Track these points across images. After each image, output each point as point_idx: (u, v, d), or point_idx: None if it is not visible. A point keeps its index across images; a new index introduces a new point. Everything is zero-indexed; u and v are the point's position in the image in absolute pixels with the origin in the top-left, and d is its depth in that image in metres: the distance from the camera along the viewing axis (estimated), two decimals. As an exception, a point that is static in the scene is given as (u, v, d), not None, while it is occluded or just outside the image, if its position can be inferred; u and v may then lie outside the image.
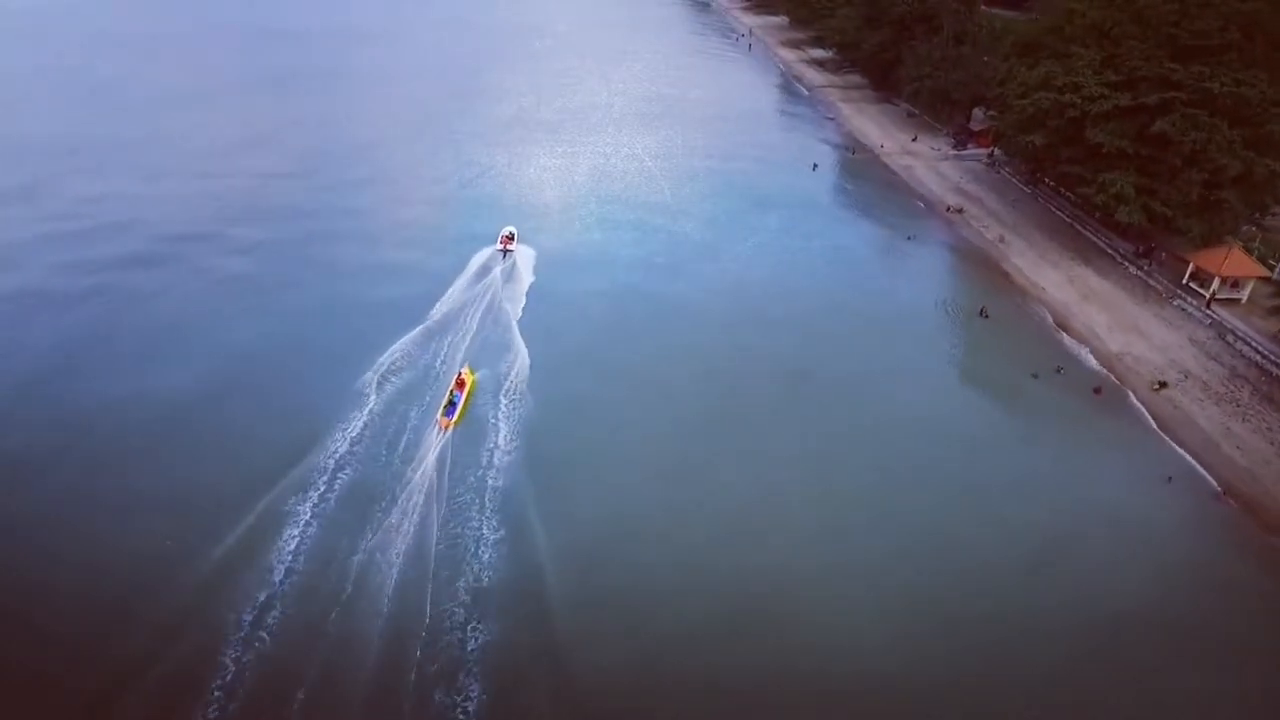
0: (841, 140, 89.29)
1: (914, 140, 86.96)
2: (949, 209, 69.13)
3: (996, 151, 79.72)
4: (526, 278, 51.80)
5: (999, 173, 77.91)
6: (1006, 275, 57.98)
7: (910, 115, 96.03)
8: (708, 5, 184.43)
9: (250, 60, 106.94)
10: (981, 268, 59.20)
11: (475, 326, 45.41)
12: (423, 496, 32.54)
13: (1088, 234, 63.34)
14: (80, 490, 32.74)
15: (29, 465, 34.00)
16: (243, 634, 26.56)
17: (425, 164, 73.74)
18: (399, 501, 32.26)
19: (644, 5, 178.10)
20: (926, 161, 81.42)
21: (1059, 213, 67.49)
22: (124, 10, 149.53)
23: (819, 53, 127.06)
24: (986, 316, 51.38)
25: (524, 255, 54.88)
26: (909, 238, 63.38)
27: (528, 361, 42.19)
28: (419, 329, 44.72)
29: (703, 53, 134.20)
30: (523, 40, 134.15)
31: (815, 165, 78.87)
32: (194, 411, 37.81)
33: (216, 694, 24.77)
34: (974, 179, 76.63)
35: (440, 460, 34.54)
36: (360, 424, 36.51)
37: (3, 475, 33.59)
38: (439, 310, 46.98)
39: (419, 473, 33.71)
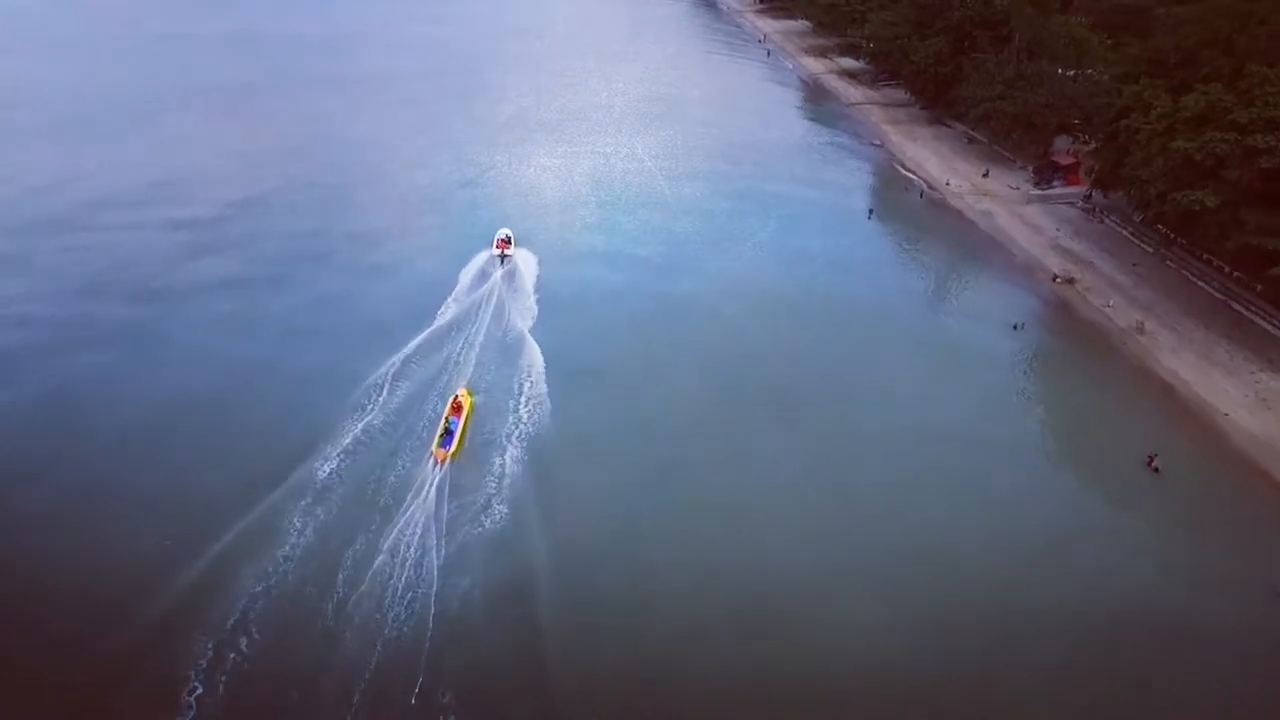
0: (896, 174, 72.55)
1: (985, 175, 70.22)
2: (1057, 278, 52.41)
3: (1095, 193, 63.19)
4: (529, 285, 48.22)
5: (1103, 222, 61.23)
6: (1167, 390, 41.27)
7: (971, 141, 79.34)
8: (715, 6, 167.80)
9: (248, 65, 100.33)
10: (1127, 377, 42.51)
11: (478, 338, 42.19)
12: (422, 509, 30.89)
13: (1257, 319, 46.66)
14: (79, 490, 32.36)
15: (29, 465, 33.56)
16: (238, 633, 25.86)
17: (424, 164, 69.89)
18: (397, 513, 30.74)
19: (646, 4, 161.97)
20: (1007, 205, 64.73)
21: (1203, 284, 50.78)
22: (103, 14, 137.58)
23: (850, 62, 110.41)
24: (1158, 470, 34.80)
25: (525, 259, 51.09)
26: (1016, 326, 46.58)
27: (542, 367, 39.66)
28: (416, 341, 41.42)
29: (716, 59, 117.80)
30: (524, 41, 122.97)
31: (871, 211, 62.21)
32: (182, 422, 36.38)
33: (210, 693, 24.25)
34: (1073, 231, 59.92)
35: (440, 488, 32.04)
36: (352, 442, 34.22)
37: (2, 475, 33.29)
38: (438, 320, 43.84)
39: (417, 500, 31.36)
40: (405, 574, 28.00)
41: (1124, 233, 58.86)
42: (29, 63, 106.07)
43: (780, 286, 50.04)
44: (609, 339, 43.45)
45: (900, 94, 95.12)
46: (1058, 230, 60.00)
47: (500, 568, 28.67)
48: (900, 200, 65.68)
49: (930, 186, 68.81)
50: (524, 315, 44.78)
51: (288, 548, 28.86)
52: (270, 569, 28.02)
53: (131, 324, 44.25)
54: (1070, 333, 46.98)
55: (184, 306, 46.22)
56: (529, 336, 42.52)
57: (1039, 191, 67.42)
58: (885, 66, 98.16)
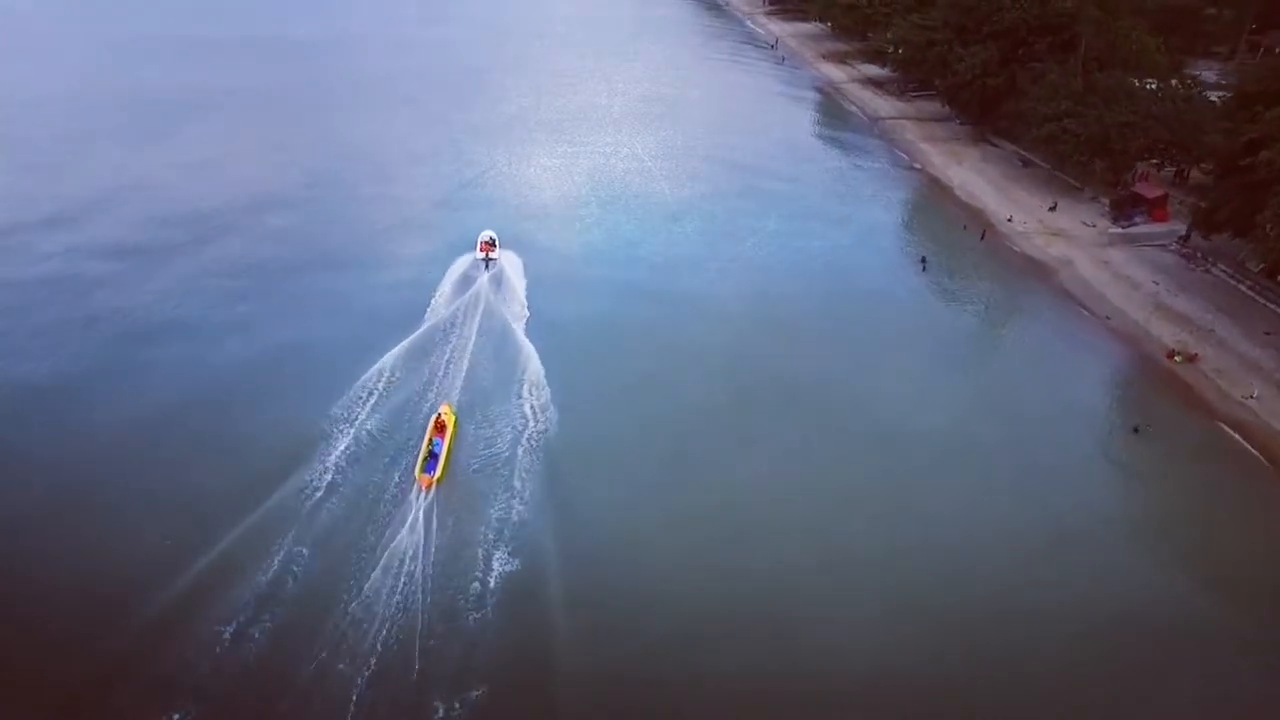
0: (945, 207, 61.22)
1: (1053, 210, 58.88)
2: (1174, 355, 41.09)
3: (1194, 236, 51.94)
4: (518, 288, 45.27)
5: (1209, 271, 49.93)
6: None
7: (1026, 165, 68.01)
8: (721, 7, 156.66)
9: (247, 68, 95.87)
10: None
11: (466, 347, 39.44)
12: (409, 540, 28.26)
13: None
14: (80, 489, 30.78)
15: (28, 465, 32.15)
16: (236, 634, 24.95)
17: (424, 165, 66.53)
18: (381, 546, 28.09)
19: (648, 5, 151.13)
20: (1085, 248, 53.41)
21: (1364, 364, 39.59)
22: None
23: (874, 70, 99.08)
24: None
25: (514, 261, 48.03)
26: (1137, 429, 35.34)
27: (539, 371, 37.20)
28: (400, 348, 38.55)
29: (725, 65, 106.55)
30: (524, 41, 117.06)
31: (924, 260, 50.80)
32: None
33: (204, 693, 23.57)
34: (1175, 284, 48.56)
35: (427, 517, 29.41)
36: (332, 466, 31.32)
37: (1, 474, 31.93)
38: (421, 328, 40.75)
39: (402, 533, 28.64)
40: (395, 601, 26.20)
41: (1241, 288, 47.50)
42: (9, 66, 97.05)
43: (817, 353, 39.10)
44: (607, 344, 40.75)
45: (934, 106, 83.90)
46: (1156, 284, 48.62)
47: (494, 594, 26.73)
48: (957, 243, 54.10)
49: (987, 223, 57.52)
50: (516, 318, 42.12)
51: (265, 584, 26.55)
52: (245, 610, 25.80)
53: (122, 328, 41.51)
54: (1209, 439, 35.49)
55: (156, 313, 42.98)
56: (523, 339, 39.94)
57: (1119, 229, 56.08)
58: (917, 75, 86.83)
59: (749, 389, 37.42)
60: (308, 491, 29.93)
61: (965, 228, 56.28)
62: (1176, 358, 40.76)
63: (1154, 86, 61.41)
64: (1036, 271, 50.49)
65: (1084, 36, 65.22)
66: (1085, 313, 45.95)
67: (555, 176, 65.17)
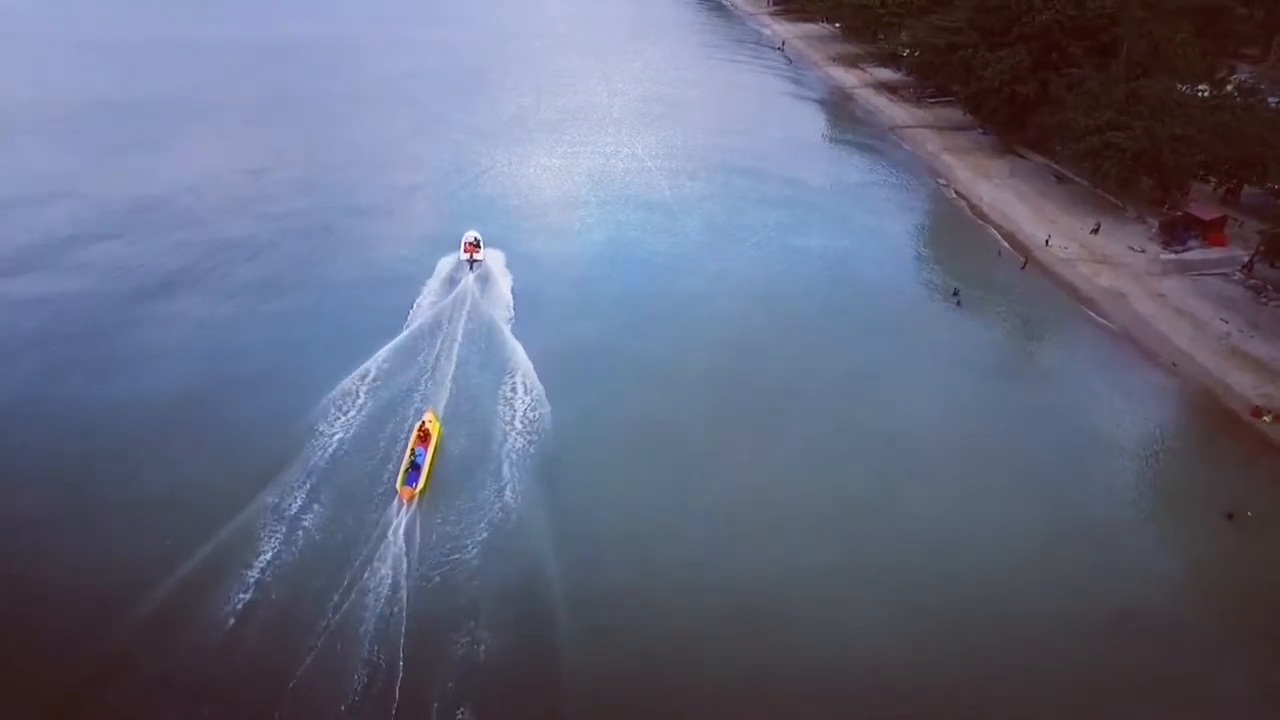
0: (972, 226, 55.17)
1: (1095, 232, 52.79)
2: (1259, 413, 35.00)
3: (1259, 264, 45.99)
4: (505, 289, 43.50)
5: (1281, 305, 43.98)
6: None
7: (1060, 181, 61.93)
8: (724, 7, 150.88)
9: (249, 73, 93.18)
10: None
11: (452, 350, 37.50)
12: (390, 557, 27.00)
13: None
14: (79, 489, 30.13)
15: (28, 464, 31.51)
16: (232, 633, 24.64)
17: (424, 164, 65.15)
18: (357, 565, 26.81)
19: (649, 6, 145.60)
20: (1136, 278, 47.34)
21: None
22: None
23: (888, 74, 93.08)
24: None
25: (500, 263, 46.29)
26: (1231, 515, 29.27)
27: (532, 372, 35.73)
28: (383, 353, 36.74)
29: (728, 68, 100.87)
30: (524, 42, 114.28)
31: (956, 292, 44.63)
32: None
33: (203, 693, 23.42)
34: (1246, 321, 42.54)
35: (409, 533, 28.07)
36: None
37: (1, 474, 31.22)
38: (406, 332, 38.78)
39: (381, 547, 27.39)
40: (378, 614, 25.14)
41: (1325, 328, 41.54)
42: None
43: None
44: (602, 345, 39.09)
45: (954, 113, 77.81)
46: (1224, 321, 42.59)
47: (485, 601, 25.75)
48: (993, 272, 47.95)
49: (1024, 247, 51.43)
50: (505, 320, 40.66)
51: (256, 587, 25.93)
52: (239, 612, 25.19)
53: (118, 331, 40.36)
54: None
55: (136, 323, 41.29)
56: (512, 341, 38.40)
57: (1172, 255, 50.03)
58: (935, 80, 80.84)
59: (749, 391, 36.00)
60: (279, 513, 28.42)
61: (999, 254, 50.28)
62: (1265, 417, 34.69)
63: (1205, 94, 55.49)
64: (1084, 305, 44.42)
65: (1126, 39, 59.35)
66: (1144, 359, 39.93)
67: (554, 176, 63.15)
